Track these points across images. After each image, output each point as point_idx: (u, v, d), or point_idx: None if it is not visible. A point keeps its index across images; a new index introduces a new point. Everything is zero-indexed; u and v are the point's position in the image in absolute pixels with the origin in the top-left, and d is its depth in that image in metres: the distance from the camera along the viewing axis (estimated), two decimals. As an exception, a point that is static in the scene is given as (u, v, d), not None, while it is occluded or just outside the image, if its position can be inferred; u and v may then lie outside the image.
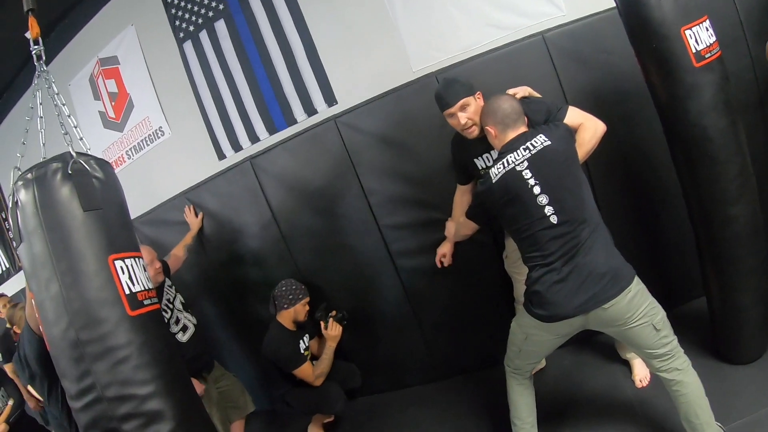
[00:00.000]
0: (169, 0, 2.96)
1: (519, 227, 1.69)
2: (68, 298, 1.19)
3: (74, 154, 1.31)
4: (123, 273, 1.26)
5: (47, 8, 3.17)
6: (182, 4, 2.92)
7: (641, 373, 2.23)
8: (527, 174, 1.63)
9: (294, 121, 2.84)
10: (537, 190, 1.62)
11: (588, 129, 1.78)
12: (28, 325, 1.46)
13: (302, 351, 2.67)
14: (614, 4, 1.98)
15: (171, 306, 2.54)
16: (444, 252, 2.38)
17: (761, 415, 1.82)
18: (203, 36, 2.92)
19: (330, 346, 2.63)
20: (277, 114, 2.85)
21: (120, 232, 1.33)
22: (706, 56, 1.80)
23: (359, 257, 2.82)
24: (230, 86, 2.91)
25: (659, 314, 1.65)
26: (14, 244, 4.54)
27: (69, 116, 1.50)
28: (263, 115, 2.88)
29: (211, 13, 2.86)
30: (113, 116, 3.43)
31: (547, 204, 1.61)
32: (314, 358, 2.74)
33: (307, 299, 2.68)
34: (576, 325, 1.67)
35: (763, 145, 2.43)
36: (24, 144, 1.46)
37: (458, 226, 2.17)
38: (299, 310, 2.65)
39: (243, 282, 3.12)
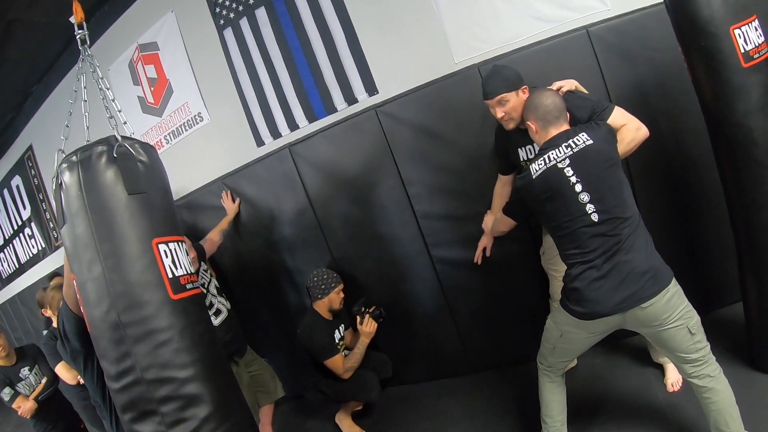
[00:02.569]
0: (210, -14, 2.98)
1: (559, 224, 1.69)
2: (111, 280, 1.19)
3: (119, 138, 1.31)
4: (166, 257, 1.26)
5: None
6: (224, -10, 2.94)
7: (673, 377, 2.20)
8: (569, 171, 1.63)
9: (334, 110, 2.85)
10: (579, 187, 1.62)
11: (630, 131, 1.76)
12: (65, 304, 1.45)
13: (337, 341, 2.70)
14: (660, 0, 1.97)
15: (206, 290, 2.59)
16: (484, 245, 2.41)
17: None
18: (243, 23, 2.93)
19: (363, 342, 2.63)
20: (317, 102, 2.87)
21: (164, 216, 1.33)
22: (755, 56, 1.78)
23: (395, 247, 2.84)
24: (270, 74, 2.93)
25: (694, 318, 1.64)
26: (53, 225, 4.68)
27: (113, 100, 1.50)
28: (303, 102, 2.90)
29: (252, 1, 2.87)
30: (152, 101, 3.48)
31: (589, 202, 1.61)
32: (348, 348, 2.77)
33: (341, 286, 2.70)
34: (612, 324, 1.67)
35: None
36: (68, 127, 1.47)
37: (495, 222, 2.16)
38: (333, 298, 2.67)
39: (277, 268, 3.16)
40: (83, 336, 1.40)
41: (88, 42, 1.56)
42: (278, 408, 3.01)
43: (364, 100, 2.79)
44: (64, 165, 1.26)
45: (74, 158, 1.26)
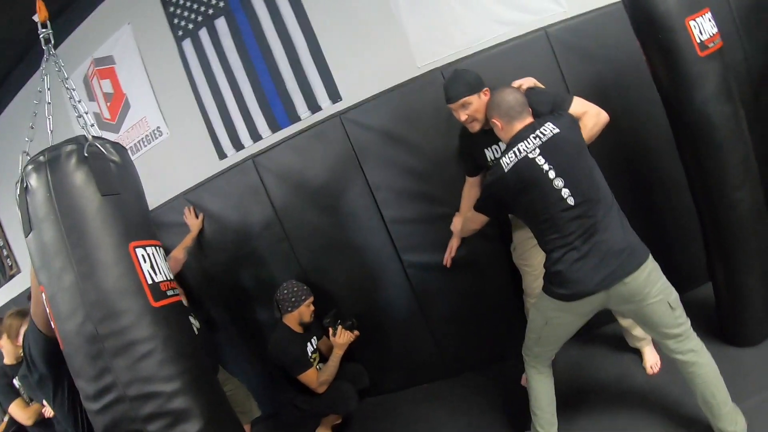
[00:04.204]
0: (167, -2, 2.93)
1: (536, 212, 1.72)
2: (84, 288, 1.10)
3: (89, 137, 1.24)
4: (144, 261, 1.18)
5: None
6: (181, 2, 2.88)
7: (651, 360, 2.25)
8: (540, 160, 1.68)
9: (297, 119, 2.81)
10: (552, 174, 1.66)
11: (591, 116, 1.85)
12: (33, 324, 1.36)
13: (310, 354, 2.63)
14: (614, 0, 2.03)
15: None
16: (453, 246, 2.41)
17: None
18: (203, 34, 2.88)
19: (337, 354, 2.56)
20: (280, 112, 2.82)
21: (139, 219, 1.26)
22: (710, 46, 1.86)
23: (365, 255, 2.80)
24: (231, 84, 2.88)
25: (673, 293, 1.69)
26: (6, 253, 4.42)
27: (80, 102, 1.44)
28: (266, 113, 2.85)
29: (211, 11, 2.83)
30: (108, 117, 3.36)
31: (563, 187, 1.66)
32: (324, 358, 2.69)
33: (311, 299, 2.64)
34: (597, 303, 1.70)
35: (760, 139, 2.49)
36: (32, 128, 1.38)
37: (466, 220, 2.19)
38: (303, 311, 2.61)
39: (245, 284, 3.06)
40: (52, 359, 1.32)
41: (53, 41, 1.49)
42: (254, 428, 2.89)
43: (328, 108, 2.77)
44: (30, 167, 1.17)
45: (41, 158, 1.17)
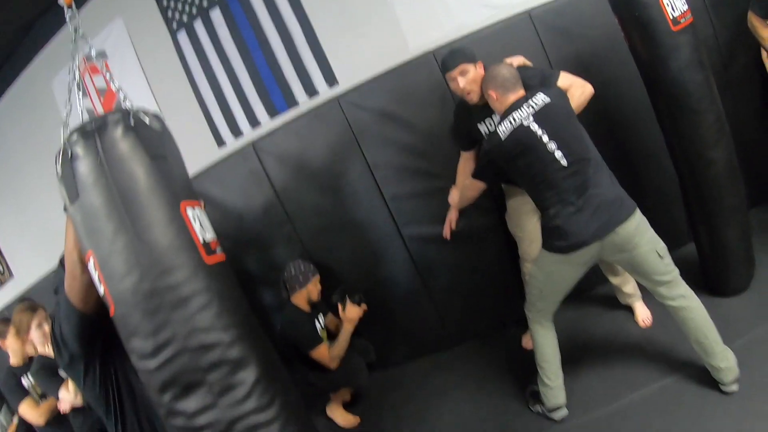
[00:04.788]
0: (160, -10, 2.98)
1: (533, 174, 1.87)
2: (140, 248, 1.13)
3: (132, 107, 1.27)
4: (195, 220, 1.22)
5: (27, 2, 3.13)
6: (175, -5, 2.95)
7: (643, 314, 2.42)
8: (534, 126, 1.84)
9: (295, 103, 2.90)
10: (545, 138, 1.83)
11: (578, 87, 2.03)
12: (66, 301, 1.36)
13: (318, 331, 2.69)
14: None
15: None
16: (452, 219, 2.52)
17: (754, 335, 2.07)
18: (198, 25, 2.94)
19: (347, 329, 2.62)
20: (277, 97, 2.91)
21: (184, 181, 1.30)
22: (682, 21, 2.04)
23: (367, 232, 2.90)
24: (228, 73, 2.95)
25: (660, 243, 1.86)
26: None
27: (112, 79, 1.48)
28: (264, 99, 2.93)
29: (206, 3, 2.89)
30: (102, 113, 3.37)
31: (557, 149, 1.82)
32: (332, 335, 2.77)
33: (318, 277, 2.72)
34: (592, 253, 1.85)
35: (731, 104, 2.70)
36: (70, 102, 1.43)
37: (464, 189, 2.30)
38: (311, 289, 2.68)
39: (250, 268, 3.11)
40: (85, 336, 1.34)
41: (80, 23, 1.54)
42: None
43: (325, 92, 2.87)
44: (76, 135, 1.19)
45: (88, 127, 1.19)
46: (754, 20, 2.35)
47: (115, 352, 1.42)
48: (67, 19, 1.56)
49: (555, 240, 1.87)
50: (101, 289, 1.20)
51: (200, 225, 1.25)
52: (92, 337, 1.34)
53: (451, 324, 2.98)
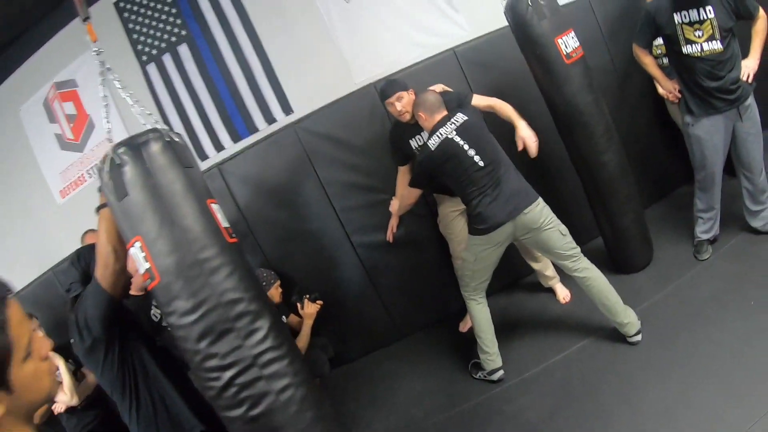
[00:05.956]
0: (131, 26, 3.28)
1: (458, 174, 2.35)
2: (182, 232, 1.46)
3: (162, 128, 1.61)
4: (218, 213, 1.58)
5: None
6: (144, 30, 3.27)
7: (562, 293, 2.94)
8: (457, 138, 2.33)
9: (256, 129, 3.29)
10: (466, 147, 2.32)
11: (495, 100, 2.62)
12: (96, 286, 1.56)
13: (282, 330, 3.02)
14: (507, 24, 2.68)
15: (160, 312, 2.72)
16: (392, 225, 3.01)
17: (653, 300, 2.61)
18: (167, 58, 3.28)
19: (307, 324, 2.92)
20: (240, 124, 3.28)
21: (205, 184, 1.66)
22: (573, 55, 2.55)
23: (320, 240, 3.28)
24: (195, 102, 3.29)
25: (562, 225, 2.37)
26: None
27: (136, 101, 1.81)
28: (227, 125, 3.30)
29: (174, 39, 3.24)
30: (72, 137, 3.58)
31: (475, 154, 2.32)
32: (295, 333, 3.01)
33: (279, 282, 3.03)
34: (508, 232, 2.32)
35: (626, 117, 3.28)
36: (108, 122, 1.82)
37: (402, 198, 2.77)
38: (274, 293, 2.98)
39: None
40: (110, 318, 1.57)
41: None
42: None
43: (282, 119, 3.28)
44: (123, 148, 1.49)
45: (135, 142, 1.51)
46: (637, 50, 2.67)
47: (131, 336, 1.70)
48: (95, 55, 1.84)
49: (478, 224, 2.35)
50: (145, 266, 1.48)
51: (221, 216, 1.61)
52: (114, 321, 1.60)
53: (399, 318, 3.40)
